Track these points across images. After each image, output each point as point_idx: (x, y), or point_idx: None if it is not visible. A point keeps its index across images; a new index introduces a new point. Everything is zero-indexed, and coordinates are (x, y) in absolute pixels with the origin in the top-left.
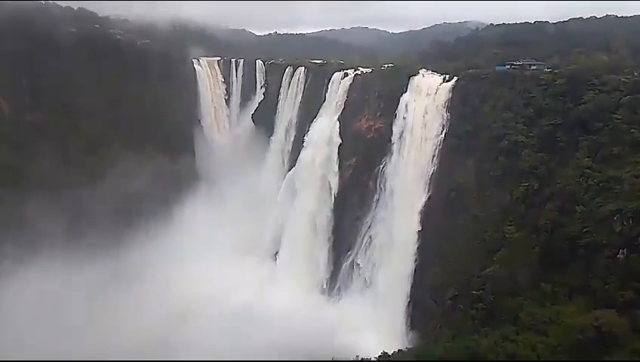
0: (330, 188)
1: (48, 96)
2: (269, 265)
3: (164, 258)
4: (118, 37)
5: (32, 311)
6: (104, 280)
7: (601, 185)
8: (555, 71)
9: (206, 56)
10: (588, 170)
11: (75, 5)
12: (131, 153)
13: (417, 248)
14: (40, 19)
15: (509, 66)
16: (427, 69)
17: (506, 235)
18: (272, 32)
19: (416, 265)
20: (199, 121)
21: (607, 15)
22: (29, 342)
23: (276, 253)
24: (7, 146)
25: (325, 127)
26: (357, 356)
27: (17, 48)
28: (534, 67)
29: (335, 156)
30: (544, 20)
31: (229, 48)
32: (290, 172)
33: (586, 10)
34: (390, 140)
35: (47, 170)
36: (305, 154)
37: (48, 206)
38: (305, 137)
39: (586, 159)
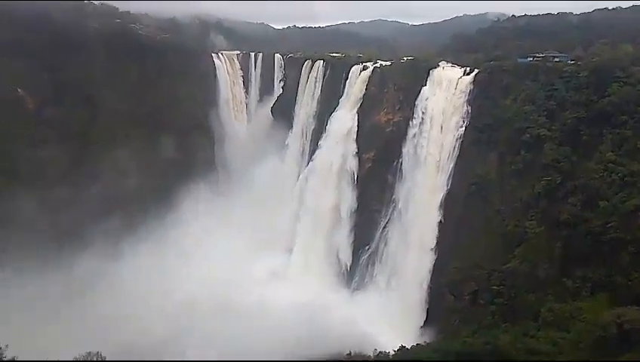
0: (349, 182)
1: (70, 90)
2: (287, 257)
3: (179, 249)
4: (139, 31)
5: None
6: (118, 271)
7: (625, 179)
8: (579, 63)
9: (225, 50)
10: (612, 164)
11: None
12: (150, 145)
13: (437, 242)
14: (61, 15)
15: (531, 58)
16: (447, 62)
17: (528, 230)
18: (290, 26)
19: (435, 259)
20: (218, 115)
21: (633, 5)
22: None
23: (294, 245)
24: (30, 141)
25: (344, 120)
26: (375, 349)
27: (40, 44)
28: (557, 59)
29: (354, 149)
30: (567, 11)
31: (248, 42)
32: (308, 165)
33: (611, 0)
34: (409, 133)
35: (66, 165)
36: (324, 148)
37: (67, 201)
38: (324, 130)
39: (610, 153)
